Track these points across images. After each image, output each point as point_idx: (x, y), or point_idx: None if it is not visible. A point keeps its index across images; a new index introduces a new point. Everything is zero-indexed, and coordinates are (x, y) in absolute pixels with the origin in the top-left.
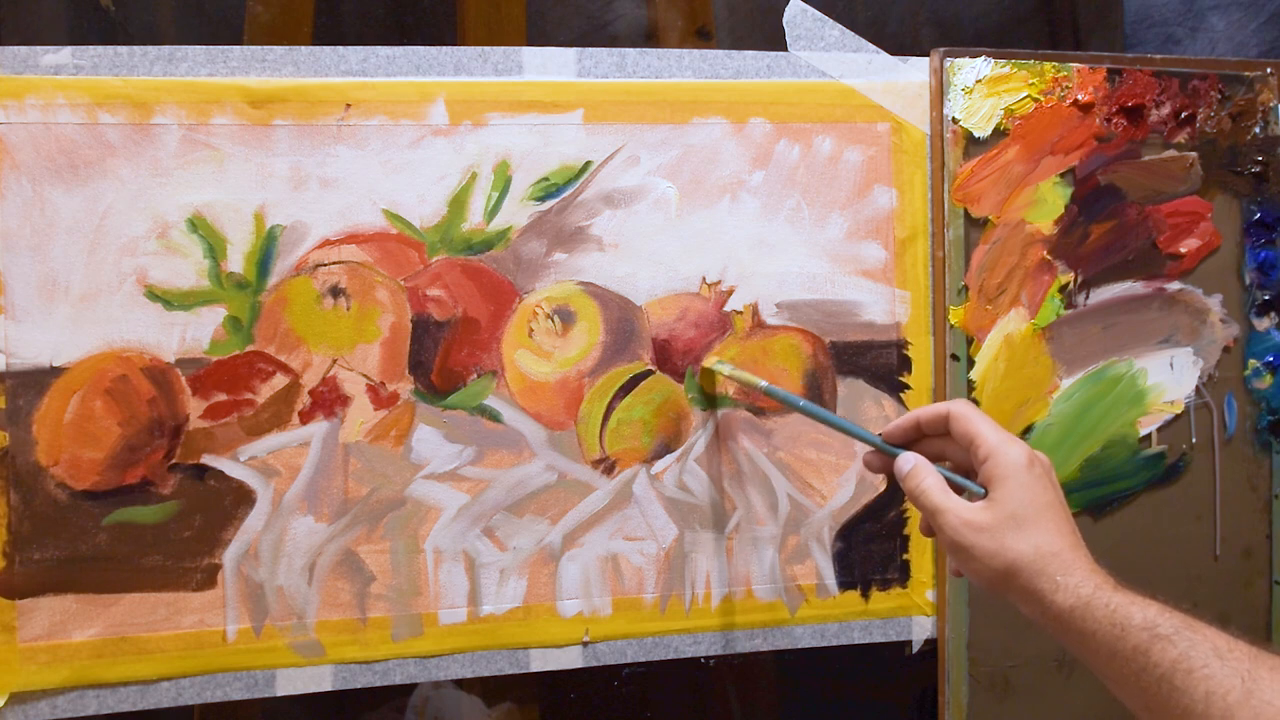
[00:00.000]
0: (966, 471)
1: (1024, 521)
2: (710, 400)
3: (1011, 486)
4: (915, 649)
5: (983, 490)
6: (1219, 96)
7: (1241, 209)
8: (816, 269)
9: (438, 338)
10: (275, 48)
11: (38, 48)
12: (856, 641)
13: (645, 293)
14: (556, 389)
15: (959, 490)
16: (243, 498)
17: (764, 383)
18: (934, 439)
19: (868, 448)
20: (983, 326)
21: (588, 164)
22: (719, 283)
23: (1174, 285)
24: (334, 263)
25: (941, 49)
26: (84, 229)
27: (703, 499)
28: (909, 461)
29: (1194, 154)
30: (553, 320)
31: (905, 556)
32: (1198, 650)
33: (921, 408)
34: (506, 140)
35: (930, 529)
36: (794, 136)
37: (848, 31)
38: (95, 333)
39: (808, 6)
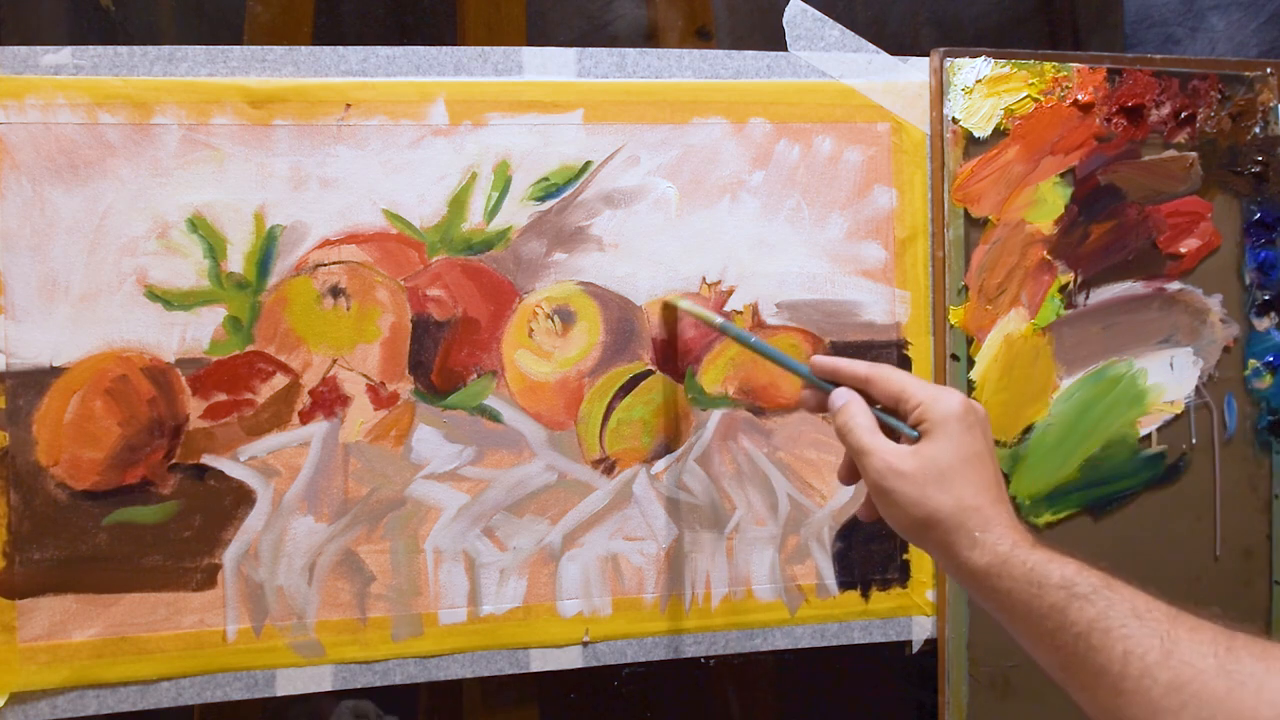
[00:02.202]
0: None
1: (948, 472)
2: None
3: (939, 435)
4: (915, 649)
5: (916, 434)
6: (1219, 96)
7: (1241, 209)
8: (816, 269)
9: (438, 338)
10: (275, 48)
11: (38, 48)
12: (856, 641)
13: (645, 293)
14: (556, 389)
15: (891, 434)
16: (243, 498)
17: (719, 319)
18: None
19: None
20: (983, 326)
21: (588, 164)
22: (719, 283)
23: (1174, 285)
24: (334, 263)
25: (941, 49)
26: (84, 229)
27: (703, 499)
28: (842, 397)
29: (1194, 154)
30: (553, 320)
31: (905, 556)
32: (1116, 610)
33: (843, 360)
34: (506, 140)
35: (850, 473)
36: (794, 136)
37: (848, 31)
38: (95, 333)
39: (808, 6)
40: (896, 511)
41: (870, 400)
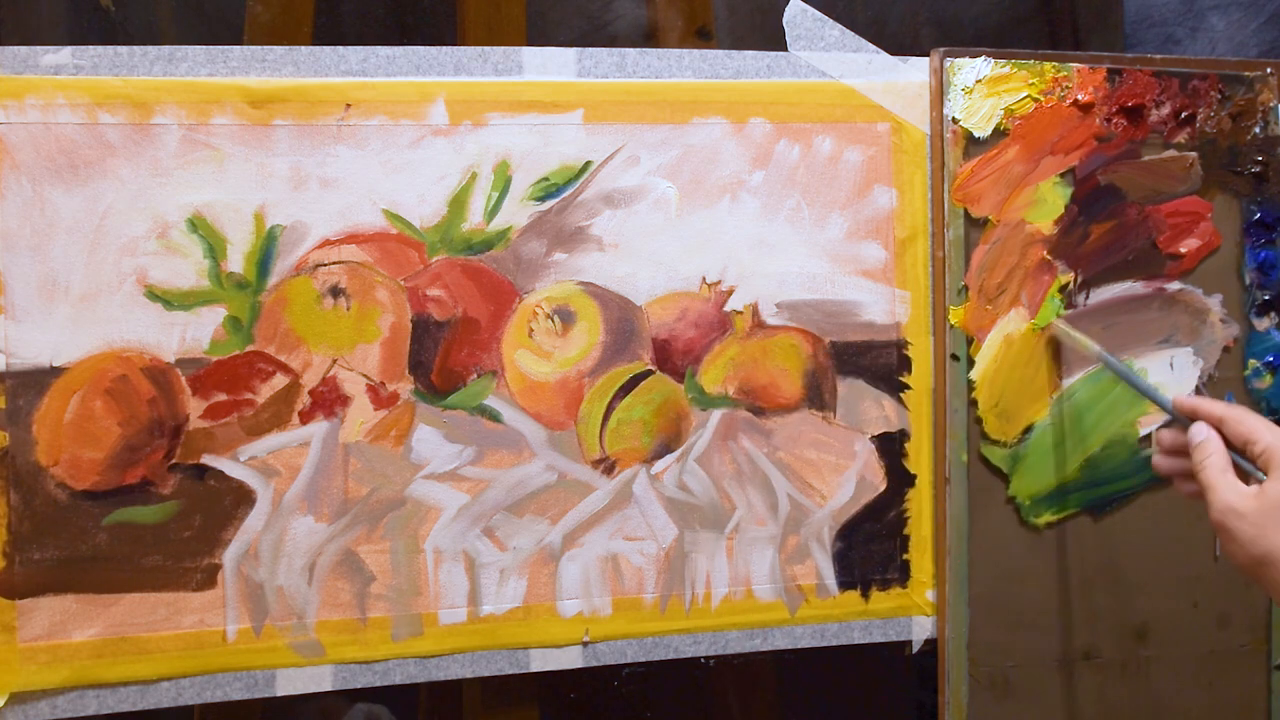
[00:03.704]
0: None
1: None
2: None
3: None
4: (915, 649)
5: (1264, 476)
6: (1219, 96)
7: (1241, 209)
8: (816, 269)
9: (438, 338)
10: (275, 48)
11: (38, 48)
12: (856, 641)
13: (645, 293)
14: (556, 389)
15: (1243, 476)
16: (243, 498)
17: (1096, 347)
18: None
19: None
20: (983, 326)
21: (588, 164)
22: (719, 283)
23: (1174, 285)
24: (334, 263)
25: (941, 49)
26: (84, 229)
27: (703, 499)
28: (1202, 432)
29: (1194, 154)
30: (553, 320)
31: (905, 556)
32: None
33: (1202, 399)
34: (506, 140)
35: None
36: (794, 136)
37: (848, 31)
38: (95, 333)
39: (808, 6)
40: (1235, 548)
41: (1224, 440)
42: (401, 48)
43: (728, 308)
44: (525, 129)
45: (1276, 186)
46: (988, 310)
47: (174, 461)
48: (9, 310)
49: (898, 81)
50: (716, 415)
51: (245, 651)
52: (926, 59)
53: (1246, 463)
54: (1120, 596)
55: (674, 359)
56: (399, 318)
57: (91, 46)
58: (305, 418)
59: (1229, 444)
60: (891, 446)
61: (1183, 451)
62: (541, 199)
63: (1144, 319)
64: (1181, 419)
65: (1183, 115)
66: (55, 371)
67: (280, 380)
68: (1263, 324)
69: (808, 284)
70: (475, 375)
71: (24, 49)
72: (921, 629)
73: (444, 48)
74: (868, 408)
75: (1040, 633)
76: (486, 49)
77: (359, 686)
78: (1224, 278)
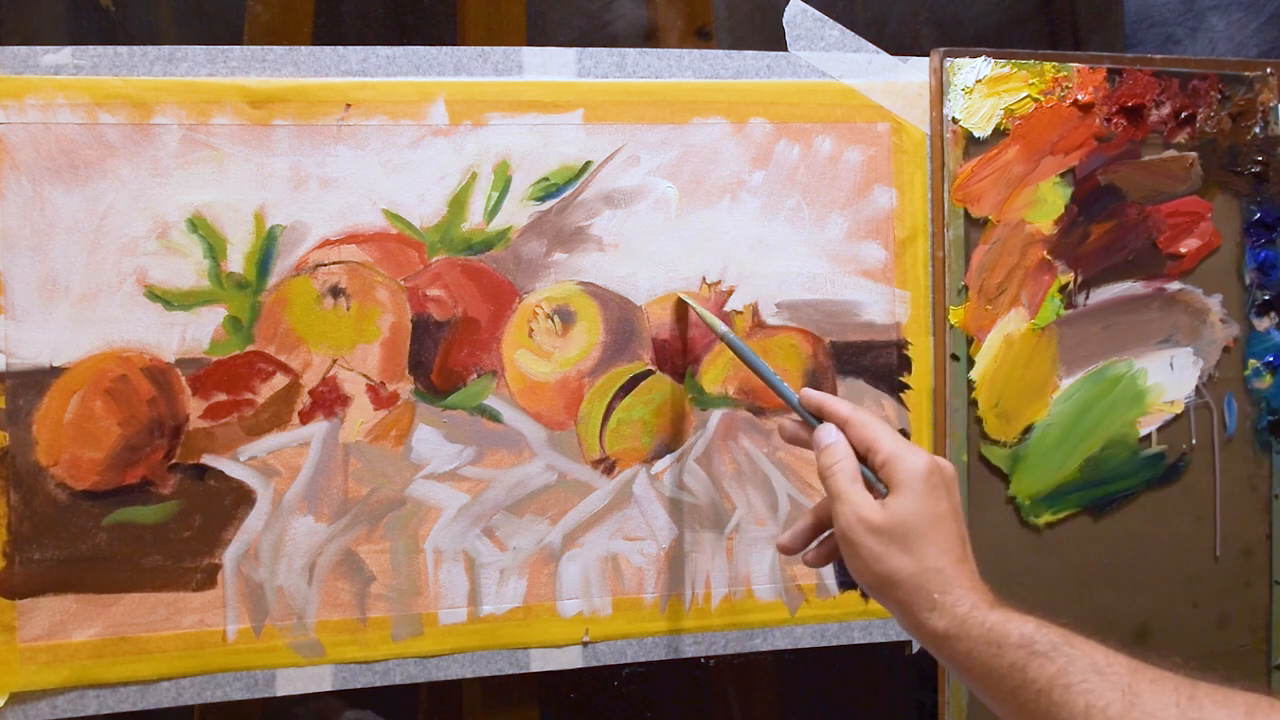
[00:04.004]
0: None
1: (912, 532)
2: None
3: (906, 494)
4: (915, 649)
5: (885, 490)
6: (1219, 96)
7: (1241, 209)
8: (816, 269)
9: (438, 338)
10: (275, 48)
11: (38, 48)
12: (856, 641)
13: (645, 293)
14: (556, 389)
15: (868, 486)
16: (243, 498)
17: (722, 326)
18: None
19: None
20: (983, 326)
21: (588, 164)
22: (719, 283)
23: (1174, 285)
24: (334, 263)
25: (941, 49)
26: (84, 229)
27: (703, 499)
28: (830, 435)
29: (1194, 154)
30: (553, 320)
31: None
32: (1076, 665)
33: (830, 397)
34: (506, 140)
35: (824, 520)
36: (794, 136)
37: (848, 31)
38: (95, 333)
39: (808, 6)
40: (859, 564)
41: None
42: (401, 48)
43: (728, 308)
44: (525, 129)
45: (1276, 186)
46: (988, 310)
47: (174, 461)
48: (9, 310)
49: (898, 81)
50: (716, 415)
51: (245, 651)
52: (926, 59)
53: (869, 473)
54: (1120, 596)
55: (674, 359)
56: (399, 318)
57: (91, 46)
58: (305, 418)
59: (854, 448)
60: None
61: (805, 442)
62: (541, 199)
63: (1144, 319)
64: (809, 417)
65: (1183, 115)
66: (55, 371)
67: (280, 380)
68: (1263, 324)
69: (808, 284)
70: (475, 375)
71: (24, 49)
72: None
73: (444, 48)
74: (868, 408)
75: None
76: (486, 49)
77: (359, 686)
78: (1224, 278)
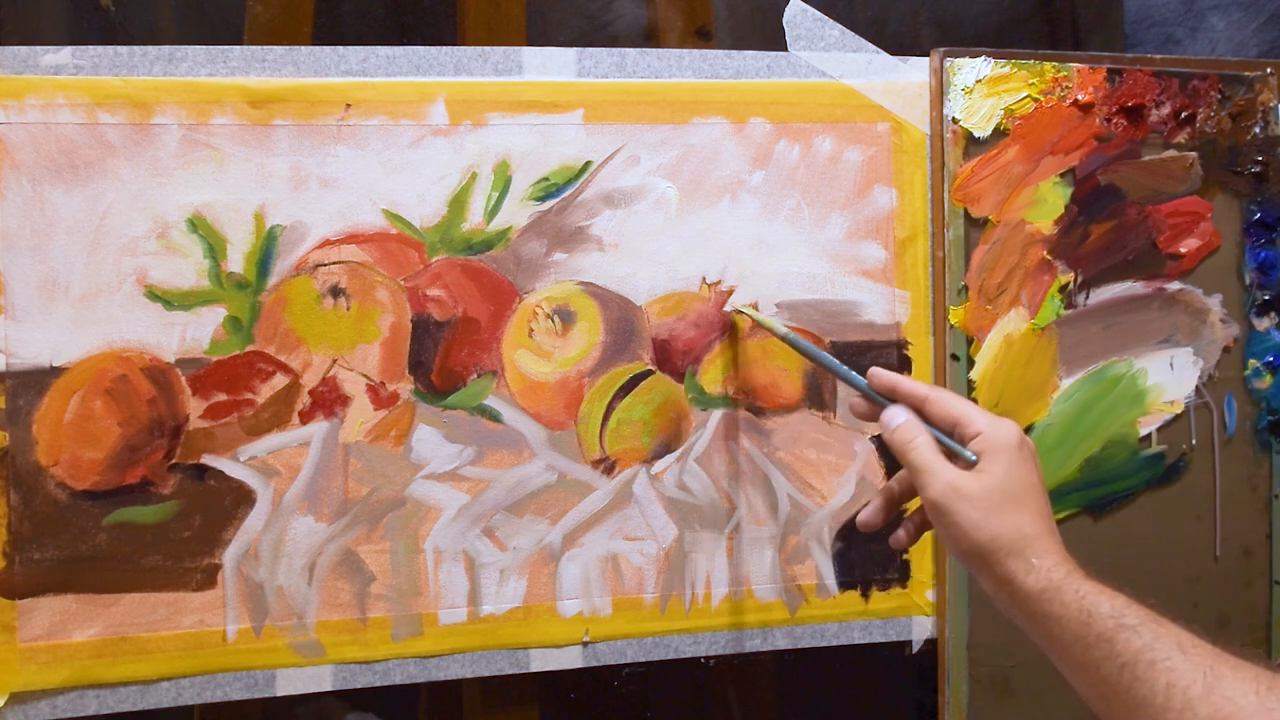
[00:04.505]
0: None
1: (1010, 499)
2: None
3: (1003, 461)
4: (915, 649)
5: (974, 458)
6: (1219, 96)
7: (1241, 209)
8: (816, 269)
9: (438, 338)
10: (275, 48)
11: (38, 48)
12: (856, 641)
13: (645, 293)
14: (556, 389)
15: (948, 455)
16: (243, 498)
17: (783, 328)
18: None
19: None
20: (983, 326)
21: (588, 164)
22: (719, 283)
23: (1174, 285)
24: (334, 263)
25: (941, 49)
26: (84, 229)
27: (703, 499)
28: (899, 415)
29: (1194, 154)
30: (553, 320)
31: (905, 556)
32: (1162, 643)
33: (903, 377)
34: (506, 140)
35: (897, 496)
36: (794, 136)
37: (848, 31)
38: (95, 333)
39: (808, 6)
40: (957, 532)
41: (925, 421)
42: (401, 48)
43: (728, 308)
44: (525, 129)
45: (1276, 186)
46: (988, 310)
47: (174, 461)
48: (9, 310)
49: (898, 81)
50: (716, 415)
51: (245, 651)
52: (926, 59)
53: (953, 443)
54: None
55: (674, 359)
56: (399, 318)
57: (91, 46)
58: (305, 418)
59: (931, 424)
60: None
61: (874, 417)
62: (541, 199)
63: (1144, 319)
64: (879, 399)
65: (1183, 115)
66: (55, 371)
67: (280, 380)
68: (1263, 324)
69: (808, 284)
70: (475, 375)
71: (24, 49)
72: (921, 629)
73: (444, 48)
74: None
75: None
76: (486, 49)
77: (359, 686)
78: (1224, 278)
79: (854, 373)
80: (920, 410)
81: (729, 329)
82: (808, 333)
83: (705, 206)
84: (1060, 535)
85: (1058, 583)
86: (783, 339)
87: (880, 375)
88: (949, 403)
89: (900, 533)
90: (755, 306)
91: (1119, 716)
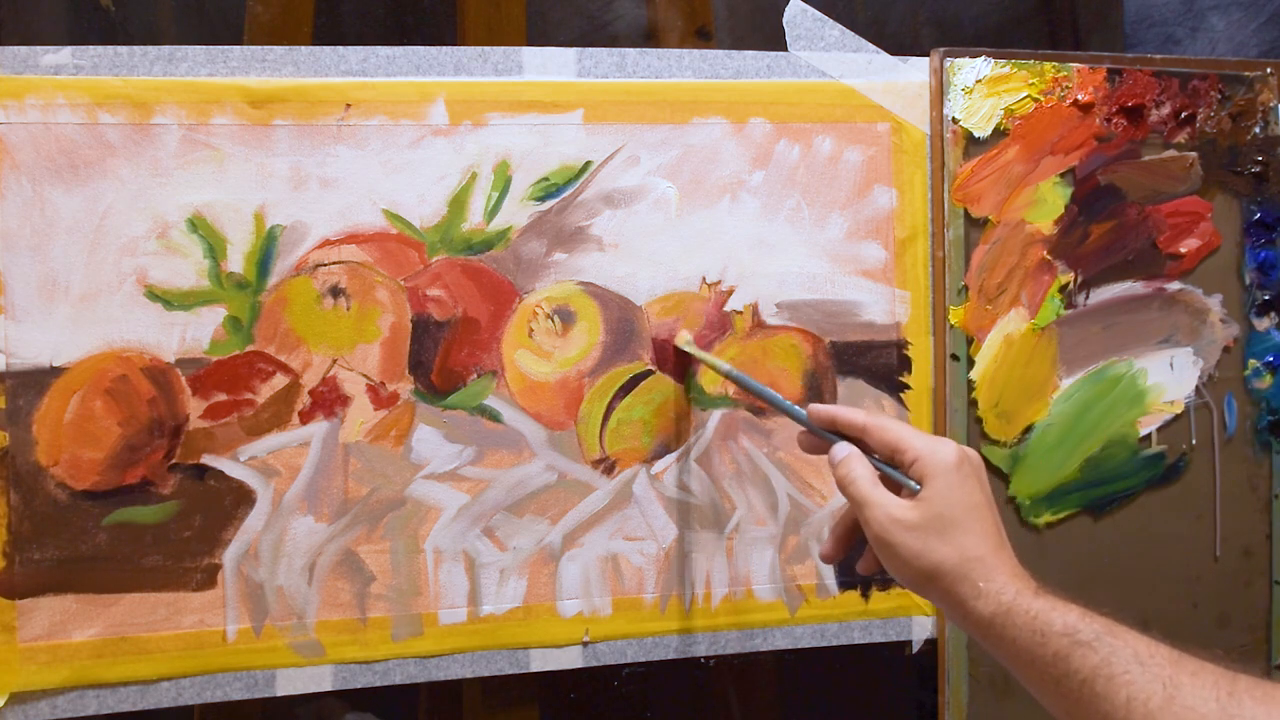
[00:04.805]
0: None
1: (950, 523)
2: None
3: (940, 486)
4: (915, 649)
5: (918, 486)
6: (1219, 96)
7: (1241, 209)
8: (816, 269)
9: (438, 338)
10: (275, 48)
11: (38, 48)
12: (856, 641)
13: (645, 293)
14: (556, 389)
15: (892, 486)
16: (243, 498)
17: (725, 365)
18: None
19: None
20: (983, 326)
21: (588, 164)
22: (719, 283)
23: (1174, 285)
24: (334, 263)
25: (941, 49)
26: (84, 229)
27: (703, 499)
28: (843, 450)
29: (1194, 154)
30: (553, 320)
31: None
32: (1119, 656)
33: (840, 408)
34: (506, 140)
35: (850, 527)
36: (794, 136)
37: (848, 31)
38: (95, 333)
39: (808, 6)
40: (899, 564)
41: (866, 450)
42: (401, 48)
43: (728, 308)
44: (525, 129)
45: (1276, 186)
46: (988, 310)
47: (174, 461)
48: (9, 310)
49: (898, 81)
50: (716, 415)
51: (245, 651)
52: (926, 59)
53: (895, 472)
54: (1120, 596)
55: (674, 359)
56: (399, 318)
57: (91, 46)
58: (305, 418)
59: (873, 453)
60: None
61: (824, 450)
62: (541, 199)
63: (1144, 319)
64: (822, 433)
65: (1183, 115)
66: (55, 371)
67: (280, 380)
68: (1263, 324)
69: (808, 284)
70: (475, 375)
71: (24, 49)
72: (921, 629)
73: (444, 48)
74: (868, 408)
75: None
76: (486, 49)
77: (359, 686)
78: (1224, 278)
79: (796, 406)
80: (861, 441)
81: (729, 329)
82: (806, 332)
83: (705, 206)
84: (1011, 549)
85: (1006, 605)
86: (725, 375)
87: (818, 410)
88: (885, 428)
89: (863, 562)
90: (754, 308)
91: None
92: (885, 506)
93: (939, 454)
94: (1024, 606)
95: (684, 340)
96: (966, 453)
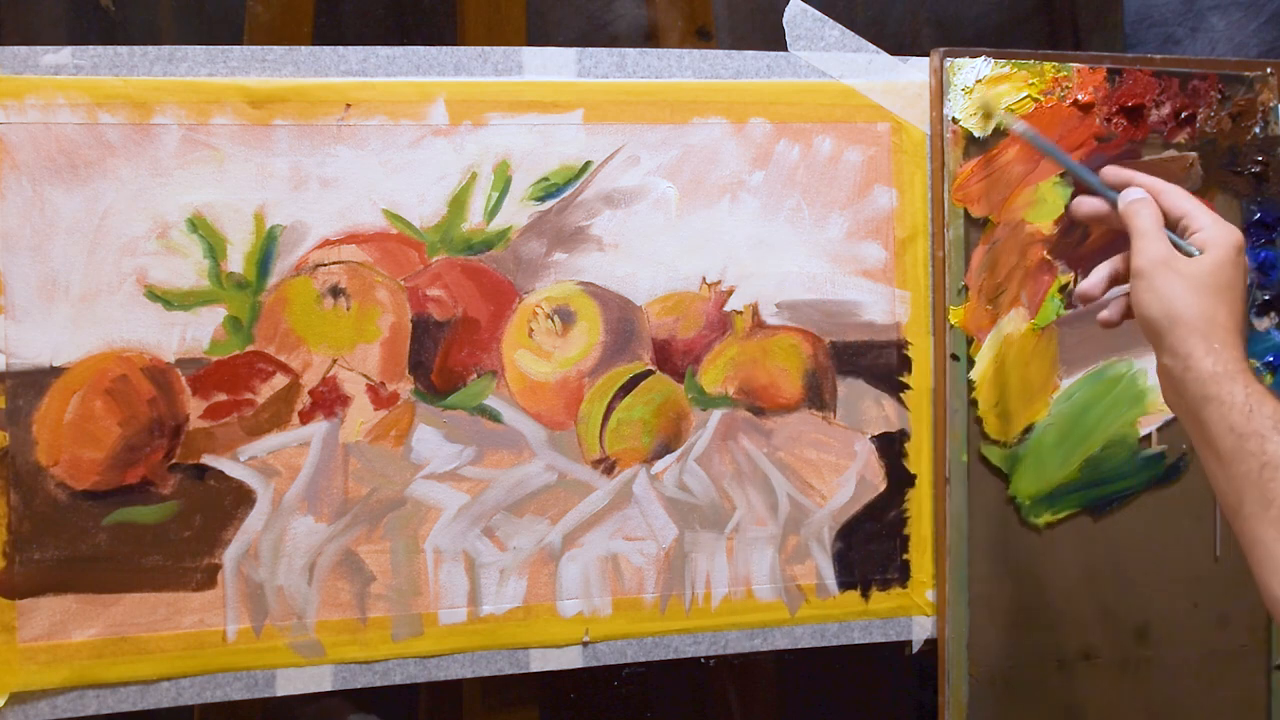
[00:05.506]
0: None
1: (1213, 289)
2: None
3: (1218, 257)
4: (915, 649)
5: (1196, 253)
6: (1219, 96)
7: (1241, 209)
8: (816, 269)
9: (438, 338)
10: (275, 48)
11: (38, 48)
12: (856, 641)
13: (645, 293)
14: (556, 389)
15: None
16: (243, 498)
17: (1021, 124)
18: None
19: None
20: (983, 326)
21: (588, 164)
22: (719, 283)
23: None
24: (334, 263)
25: (941, 49)
26: (84, 229)
27: (703, 499)
28: (1138, 192)
29: (1194, 154)
30: (553, 320)
31: (905, 556)
32: None
33: (1137, 174)
34: (506, 140)
35: (1121, 273)
36: (794, 136)
37: (848, 31)
38: (95, 333)
39: (808, 6)
40: (1150, 297)
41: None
42: (401, 48)
43: (728, 308)
44: (525, 129)
45: (1276, 186)
46: (988, 310)
47: (174, 461)
48: (9, 310)
49: (898, 81)
50: (716, 415)
51: (245, 651)
52: (926, 59)
53: (1180, 240)
54: (1120, 596)
55: (674, 359)
56: (399, 318)
57: (91, 46)
58: (305, 418)
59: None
60: (891, 446)
61: (1101, 219)
62: (541, 199)
63: None
64: (1109, 193)
65: (1183, 115)
66: (55, 371)
67: (280, 380)
68: (1263, 324)
69: (808, 284)
70: (475, 375)
71: (24, 49)
72: (921, 629)
73: (444, 48)
74: (868, 408)
75: (1040, 633)
76: (486, 49)
77: (359, 686)
78: None
79: (1088, 169)
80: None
81: (729, 329)
82: (806, 332)
83: (705, 206)
84: (1245, 343)
85: (1232, 372)
86: (1020, 136)
87: (1113, 172)
88: (1180, 198)
89: (1108, 312)
90: (754, 308)
91: (1246, 512)
92: (1164, 246)
93: (1224, 232)
94: (1246, 380)
95: (1020, 127)
96: (1244, 248)
